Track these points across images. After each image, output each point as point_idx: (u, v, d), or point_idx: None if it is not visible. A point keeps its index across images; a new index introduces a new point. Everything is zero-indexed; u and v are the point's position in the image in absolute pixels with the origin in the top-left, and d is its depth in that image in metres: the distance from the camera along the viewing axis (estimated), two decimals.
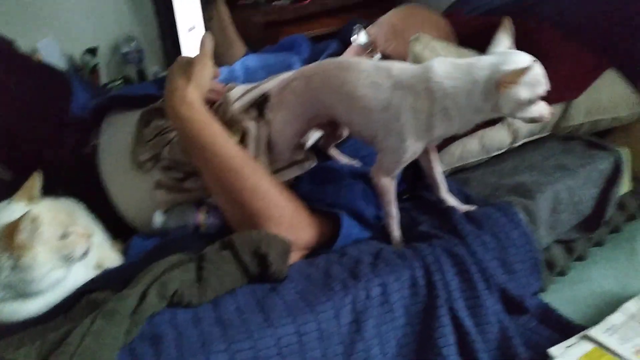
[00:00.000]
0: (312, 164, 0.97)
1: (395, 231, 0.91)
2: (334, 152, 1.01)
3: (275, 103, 0.94)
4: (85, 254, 0.81)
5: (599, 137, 1.17)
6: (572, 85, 1.14)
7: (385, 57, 1.16)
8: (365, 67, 0.85)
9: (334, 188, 0.94)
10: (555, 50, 1.19)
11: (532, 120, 0.82)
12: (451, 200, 0.97)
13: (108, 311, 0.70)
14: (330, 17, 2.09)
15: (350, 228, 0.90)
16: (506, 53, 0.79)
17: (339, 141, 1.00)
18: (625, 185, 1.11)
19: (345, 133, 0.98)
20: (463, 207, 0.96)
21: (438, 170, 0.96)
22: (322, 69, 0.90)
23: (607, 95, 1.16)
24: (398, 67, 0.84)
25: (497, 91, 0.77)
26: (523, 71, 0.75)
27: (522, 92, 0.76)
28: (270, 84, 1.03)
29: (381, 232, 0.93)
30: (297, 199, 0.91)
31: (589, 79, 1.16)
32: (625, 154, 1.10)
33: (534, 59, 0.79)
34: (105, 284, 0.81)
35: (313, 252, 0.91)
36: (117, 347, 0.67)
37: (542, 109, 0.80)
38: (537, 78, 0.77)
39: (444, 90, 0.79)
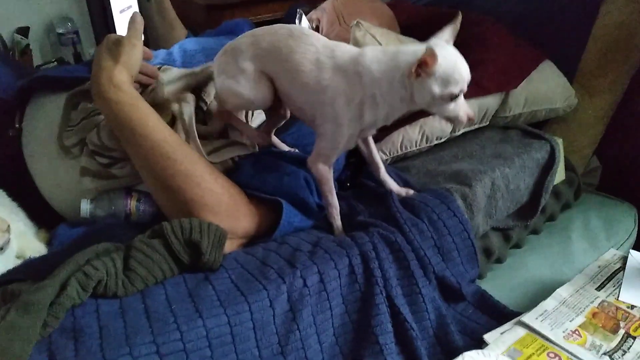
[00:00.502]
0: (254, 147, 0.94)
1: (337, 220, 0.90)
2: (275, 140, 0.98)
3: (220, 64, 0.88)
4: (2, 248, 0.76)
5: (536, 128, 1.20)
6: (510, 76, 1.16)
7: None
8: (314, 41, 0.83)
9: (276, 176, 0.91)
10: (494, 41, 1.21)
11: (449, 120, 0.81)
12: (390, 182, 0.97)
13: (23, 303, 0.65)
14: (275, 2, 2.06)
15: (291, 216, 0.88)
16: (434, 44, 0.75)
17: (281, 124, 0.97)
18: (559, 175, 1.14)
19: (287, 114, 0.95)
20: (401, 190, 0.97)
21: (375, 152, 0.95)
22: (273, 31, 0.86)
23: (543, 87, 1.19)
24: (341, 50, 0.82)
25: (409, 79, 0.75)
26: (424, 60, 0.72)
27: (434, 85, 0.75)
28: (202, 67, 0.99)
29: (324, 221, 0.92)
30: (234, 185, 0.87)
31: (526, 71, 1.19)
32: (559, 143, 1.13)
33: (458, 55, 0.77)
34: (25, 274, 0.75)
35: (252, 241, 0.88)
36: (31, 341, 0.62)
37: (460, 110, 0.79)
38: (452, 74, 0.75)
39: (372, 75, 0.78)
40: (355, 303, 0.80)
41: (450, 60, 0.76)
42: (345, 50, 0.82)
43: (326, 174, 0.86)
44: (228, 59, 0.86)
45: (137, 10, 1.30)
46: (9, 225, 0.80)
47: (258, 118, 1.05)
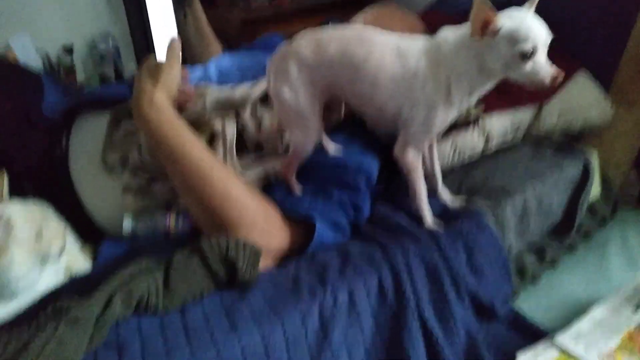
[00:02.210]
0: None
1: (425, 211, 0.91)
2: (325, 139, 0.98)
3: (277, 69, 0.86)
4: (61, 252, 0.80)
5: (570, 143, 1.18)
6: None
7: None
8: (386, 35, 0.84)
9: (310, 195, 0.93)
10: None
11: (533, 84, 0.76)
12: (445, 194, 0.99)
13: (72, 318, 0.69)
14: (308, 16, 2.09)
15: (324, 235, 0.89)
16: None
17: (334, 124, 0.99)
18: (595, 190, 1.13)
19: (341, 114, 0.97)
20: (455, 202, 0.98)
21: (437, 162, 0.97)
22: (339, 36, 0.83)
23: (578, 98, 1.17)
24: (413, 37, 0.84)
25: (475, 40, 0.76)
26: (484, 17, 0.72)
27: (501, 44, 0.74)
28: (242, 87, 1.03)
29: (352, 234, 0.94)
30: (270, 203, 0.90)
31: (561, 82, 1.17)
32: (594, 159, 1.11)
33: (529, 14, 0.75)
34: (72, 290, 0.79)
35: (286, 257, 0.90)
36: (80, 354, 0.66)
37: (541, 70, 0.74)
38: (518, 30, 0.73)
39: (446, 47, 0.80)
40: (386, 322, 0.81)
41: (516, 17, 0.75)
42: (416, 37, 0.84)
43: (416, 161, 0.87)
44: (287, 65, 0.84)
45: (175, 27, 1.35)
46: (64, 229, 0.84)
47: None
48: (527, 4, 0.80)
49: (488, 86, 0.83)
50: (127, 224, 0.95)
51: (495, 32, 0.74)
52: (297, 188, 0.94)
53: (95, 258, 0.95)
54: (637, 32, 1.21)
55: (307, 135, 0.88)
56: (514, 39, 0.73)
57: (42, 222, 0.80)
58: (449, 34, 0.81)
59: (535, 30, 0.74)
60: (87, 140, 1.08)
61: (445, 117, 0.84)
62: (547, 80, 0.75)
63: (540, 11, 1.35)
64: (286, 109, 0.87)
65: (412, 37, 0.84)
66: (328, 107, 0.93)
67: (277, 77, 0.86)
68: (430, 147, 0.96)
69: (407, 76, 0.81)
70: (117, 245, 0.96)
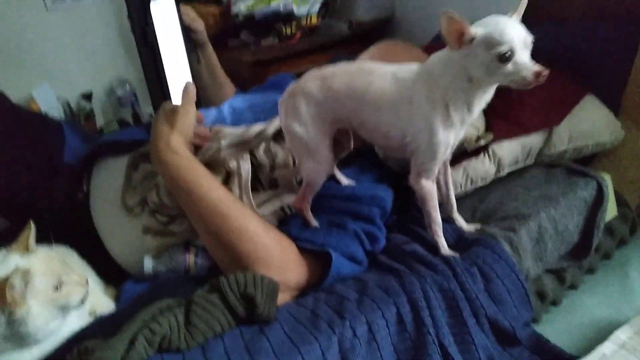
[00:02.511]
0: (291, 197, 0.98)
1: (441, 238, 0.93)
2: (337, 172, 1.02)
3: (287, 107, 0.91)
4: (82, 301, 0.82)
5: (583, 164, 1.18)
6: (553, 112, 1.16)
7: None
8: (385, 66, 0.87)
9: (325, 228, 0.95)
10: None
11: (517, 84, 0.76)
12: (460, 220, 1.00)
13: (96, 359, 0.70)
14: (317, 54, 2.14)
15: (340, 268, 0.90)
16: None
17: (344, 155, 1.02)
18: (611, 211, 1.12)
19: (351, 146, 0.99)
20: (471, 227, 0.99)
21: (451, 188, 0.99)
22: (341, 71, 0.88)
23: (588, 121, 1.18)
24: (410, 64, 0.87)
25: (454, 50, 0.78)
26: (448, 28, 0.75)
27: (478, 50, 0.76)
28: (256, 127, 1.06)
29: (369, 264, 0.95)
30: (286, 238, 0.92)
31: (569, 106, 1.18)
32: (607, 179, 1.11)
33: (503, 18, 0.77)
34: (97, 331, 0.81)
35: (304, 291, 0.91)
36: None
37: (522, 70, 0.74)
38: (492, 34, 0.74)
39: (435, 67, 0.82)
40: (406, 351, 0.81)
41: (490, 22, 0.77)
42: (412, 64, 0.87)
43: (430, 188, 0.89)
44: (296, 102, 0.89)
45: (189, 71, 1.40)
46: (87, 280, 0.86)
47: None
48: (513, 12, 0.82)
49: (484, 98, 0.83)
50: (148, 264, 0.97)
51: (471, 40, 0.76)
52: (313, 221, 0.95)
53: (118, 299, 0.97)
54: None
55: (319, 166, 0.91)
56: (489, 43, 0.75)
57: (63, 271, 0.82)
58: (436, 55, 0.84)
59: (509, 32, 0.75)
60: (107, 184, 1.11)
61: (447, 139, 0.85)
62: (530, 77, 0.75)
63: (547, 40, 1.38)
64: (298, 143, 0.91)
65: (408, 64, 0.87)
66: (338, 141, 0.96)
67: (287, 114, 0.91)
68: (445, 174, 0.98)
69: (405, 101, 0.84)
70: (139, 285, 0.98)
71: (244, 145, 1.05)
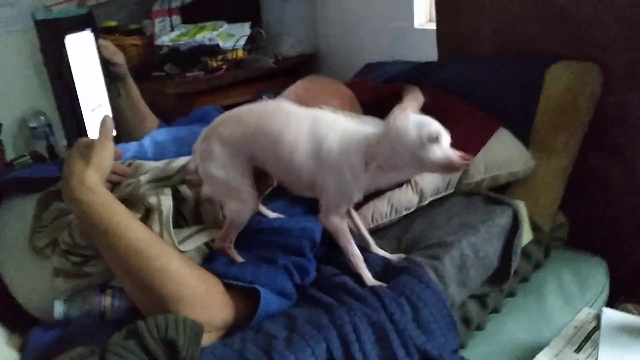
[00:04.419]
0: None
1: (364, 270, 0.92)
2: (262, 207, 1.01)
3: (202, 152, 0.91)
4: None
5: (499, 192, 1.24)
6: (469, 144, 1.21)
7: None
8: (302, 110, 0.89)
9: (253, 263, 0.92)
10: (451, 113, 1.27)
11: (442, 168, 0.80)
12: (381, 253, 1.00)
13: None
14: (243, 87, 2.14)
15: (269, 304, 0.88)
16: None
17: (268, 191, 1.01)
18: (527, 236, 1.18)
19: (275, 182, 0.98)
20: (394, 257, 1.00)
21: (362, 226, 0.99)
22: (257, 111, 0.89)
23: (501, 153, 1.25)
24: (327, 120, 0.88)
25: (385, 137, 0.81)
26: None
27: (410, 132, 0.79)
28: (178, 161, 1.02)
29: (299, 297, 0.93)
30: (211, 276, 0.88)
31: (484, 138, 1.24)
32: (521, 206, 1.17)
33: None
34: None
35: (231, 330, 0.87)
36: None
37: (447, 154, 0.78)
38: (421, 121, 0.79)
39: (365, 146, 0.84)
40: None
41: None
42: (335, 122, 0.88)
43: (340, 225, 0.89)
44: (210, 145, 0.89)
45: (109, 106, 1.34)
46: None
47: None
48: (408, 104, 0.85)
49: (400, 177, 0.88)
50: (59, 309, 0.90)
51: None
52: (238, 257, 0.93)
53: (23, 349, 0.89)
54: (546, 90, 1.32)
55: (243, 205, 0.91)
56: (420, 126, 0.79)
57: None
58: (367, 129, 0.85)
59: (435, 124, 0.80)
60: (14, 223, 1.03)
61: (357, 188, 0.87)
62: (452, 167, 0.80)
63: (457, 80, 1.47)
64: (218, 185, 0.91)
65: (329, 113, 0.89)
66: (260, 178, 0.95)
67: (203, 158, 0.90)
68: (351, 217, 0.98)
69: (320, 157, 0.85)
70: (48, 332, 0.90)
71: (166, 181, 1.01)
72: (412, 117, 0.80)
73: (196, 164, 0.93)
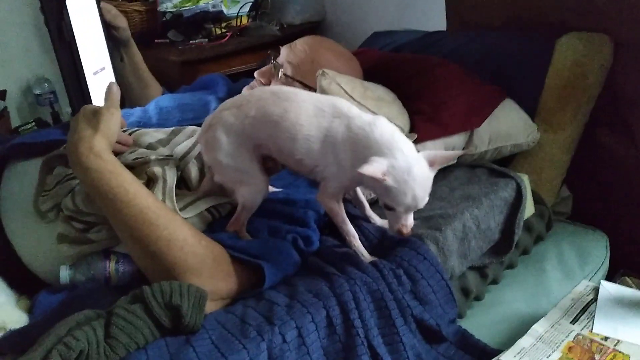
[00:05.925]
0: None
1: (360, 248, 0.93)
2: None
3: (207, 141, 0.91)
4: None
5: (503, 165, 1.24)
6: (473, 115, 1.21)
7: (292, 81, 1.20)
8: (302, 95, 0.87)
9: (261, 236, 0.93)
10: (455, 83, 1.26)
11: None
12: (375, 218, 1.00)
13: None
14: (247, 54, 2.12)
15: (274, 279, 0.89)
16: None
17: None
18: (529, 209, 1.18)
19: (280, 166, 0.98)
20: (385, 222, 0.99)
21: (358, 190, 0.99)
22: (255, 98, 0.89)
23: (506, 124, 1.24)
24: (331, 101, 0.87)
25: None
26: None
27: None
28: (182, 133, 1.02)
29: (302, 267, 0.94)
30: (218, 246, 0.89)
31: (488, 109, 1.23)
32: (525, 179, 1.17)
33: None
34: (7, 348, 0.75)
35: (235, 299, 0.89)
36: None
37: (395, 222, 0.82)
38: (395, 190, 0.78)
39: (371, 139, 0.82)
40: (336, 354, 0.81)
41: (403, 173, 0.78)
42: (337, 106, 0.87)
43: (335, 207, 0.89)
44: (215, 134, 0.88)
45: (112, 70, 1.33)
46: None
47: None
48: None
49: None
50: (64, 274, 0.91)
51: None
52: (247, 237, 0.94)
53: (32, 310, 0.91)
54: (556, 62, 1.30)
55: (255, 189, 0.91)
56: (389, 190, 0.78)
57: None
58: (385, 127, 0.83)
59: (406, 197, 0.79)
60: (18, 188, 1.04)
61: (356, 176, 0.85)
62: (393, 231, 0.83)
63: (471, 46, 1.45)
64: (228, 173, 0.91)
65: (332, 99, 0.88)
66: (267, 161, 0.95)
67: (208, 147, 0.91)
68: None
69: (320, 136, 0.84)
70: (55, 295, 0.92)
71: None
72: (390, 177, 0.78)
73: (202, 152, 0.93)
